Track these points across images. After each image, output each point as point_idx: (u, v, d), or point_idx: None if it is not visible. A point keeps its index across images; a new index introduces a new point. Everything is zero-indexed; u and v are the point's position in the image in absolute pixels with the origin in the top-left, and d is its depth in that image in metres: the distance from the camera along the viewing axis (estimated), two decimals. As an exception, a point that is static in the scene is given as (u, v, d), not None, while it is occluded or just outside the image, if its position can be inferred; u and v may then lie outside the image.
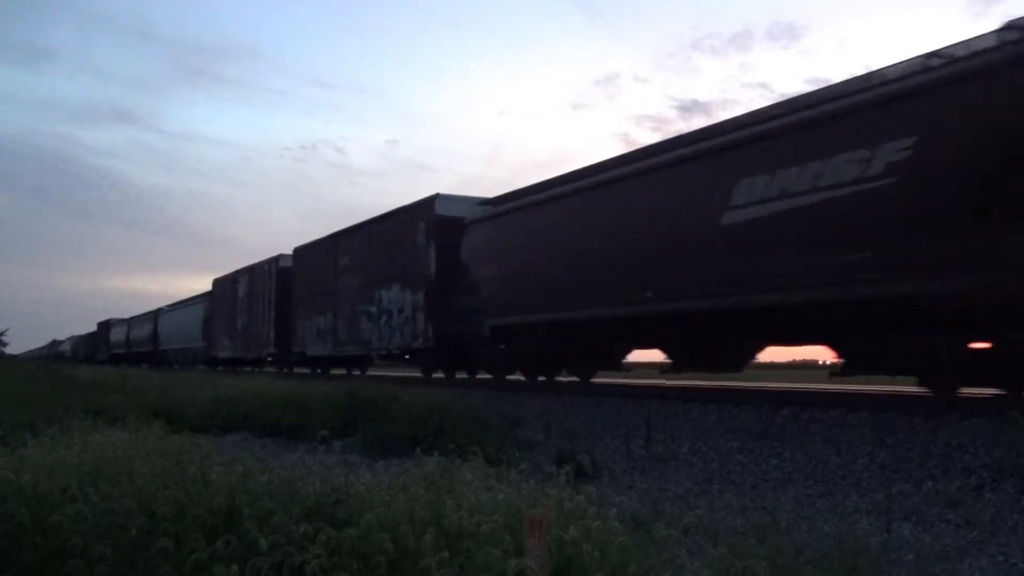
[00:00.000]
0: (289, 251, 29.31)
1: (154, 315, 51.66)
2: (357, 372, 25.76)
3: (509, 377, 17.89)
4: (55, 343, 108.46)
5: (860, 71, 9.94)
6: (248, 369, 34.79)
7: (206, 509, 3.86)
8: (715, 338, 11.54)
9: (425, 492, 4.18)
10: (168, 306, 50.54)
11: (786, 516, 5.24)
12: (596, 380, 16.06)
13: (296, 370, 30.15)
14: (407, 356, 20.84)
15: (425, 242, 18.45)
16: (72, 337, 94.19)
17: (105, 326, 70.27)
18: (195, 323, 40.33)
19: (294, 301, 27.13)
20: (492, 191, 18.17)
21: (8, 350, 62.07)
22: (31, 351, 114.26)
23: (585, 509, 3.83)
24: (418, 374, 21.13)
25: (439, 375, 20.16)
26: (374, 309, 20.82)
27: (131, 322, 59.88)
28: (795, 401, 9.52)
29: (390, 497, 4.08)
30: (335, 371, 26.77)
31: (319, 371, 27.44)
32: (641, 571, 3.39)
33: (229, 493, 4.08)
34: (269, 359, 31.17)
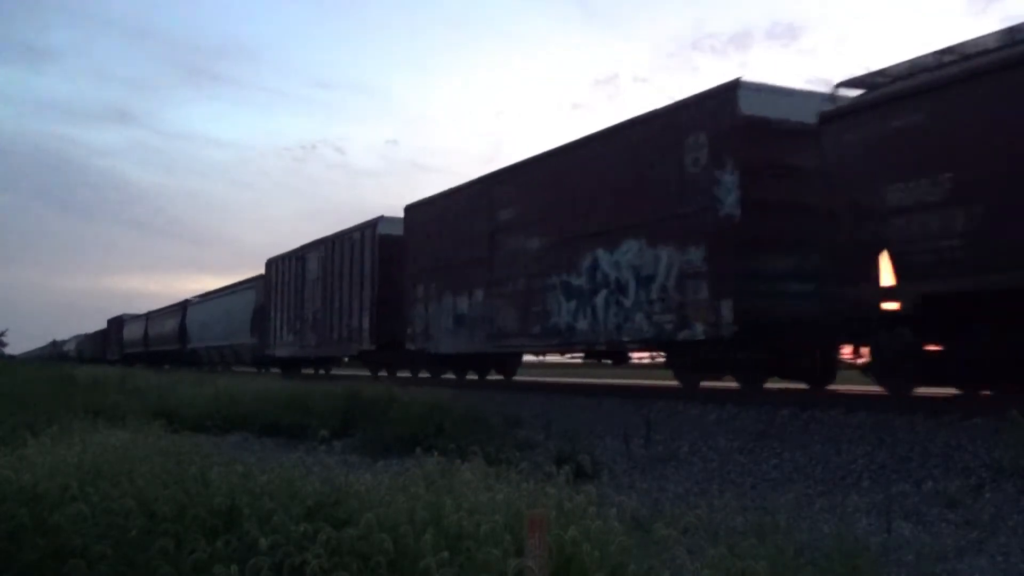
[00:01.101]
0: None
1: (181, 307, 44.34)
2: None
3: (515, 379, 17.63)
4: (56, 343, 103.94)
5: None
6: (322, 372, 27.29)
7: (206, 509, 3.86)
8: None
9: (425, 492, 4.18)
10: (198, 296, 42.81)
11: (786, 516, 5.23)
12: (597, 380, 16.05)
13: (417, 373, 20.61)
14: (653, 351, 13.28)
15: (712, 163, 10.82)
16: (77, 336, 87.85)
17: (117, 322, 63.00)
18: (240, 315, 32.65)
19: (407, 278, 18.95)
20: None
21: (8, 350, 62.08)
22: (31, 351, 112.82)
23: (585, 509, 3.82)
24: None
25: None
26: (580, 281, 13.13)
27: (150, 317, 52.74)
28: (795, 401, 9.52)
29: (390, 497, 4.08)
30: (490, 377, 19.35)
31: (460, 376, 19.04)
32: (641, 571, 3.39)
33: (229, 493, 4.08)
34: (362, 358, 22.53)
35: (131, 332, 57.50)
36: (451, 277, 17.21)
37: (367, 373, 22.10)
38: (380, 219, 21.00)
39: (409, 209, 19.54)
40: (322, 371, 27.56)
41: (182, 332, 42.82)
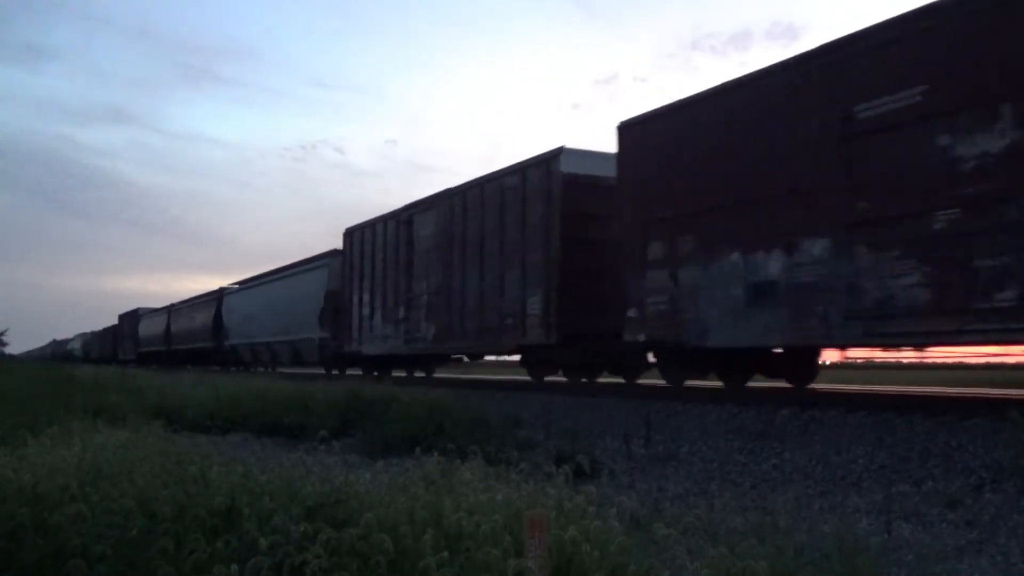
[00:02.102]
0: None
1: (215, 297, 37.30)
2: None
3: (517, 377, 17.60)
4: (57, 342, 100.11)
5: None
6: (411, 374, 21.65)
7: (206, 509, 3.87)
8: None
9: (425, 492, 4.18)
10: (238, 283, 35.96)
11: (786, 516, 5.24)
12: (597, 380, 16.02)
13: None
14: None
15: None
16: (83, 334, 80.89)
17: (131, 318, 55.88)
18: (304, 303, 25.65)
19: (633, 231, 12.04)
20: None
21: (8, 350, 62.08)
22: (32, 351, 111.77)
23: (584, 509, 3.83)
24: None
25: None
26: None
27: (174, 311, 45.50)
28: (795, 401, 9.52)
29: (390, 497, 4.09)
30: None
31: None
32: (641, 571, 3.39)
33: (229, 493, 4.08)
34: (528, 356, 15.76)
35: (148, 328, 50.77)
36: (741, 222, 10.26)
37: (527, 378, 16.19)
38: (560, 152, 14.17)
39: (632, 126, 12.37)
40: (420, 373, 21.76)
41: (217, 327, 36.03)
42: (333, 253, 24.47)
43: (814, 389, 11.45)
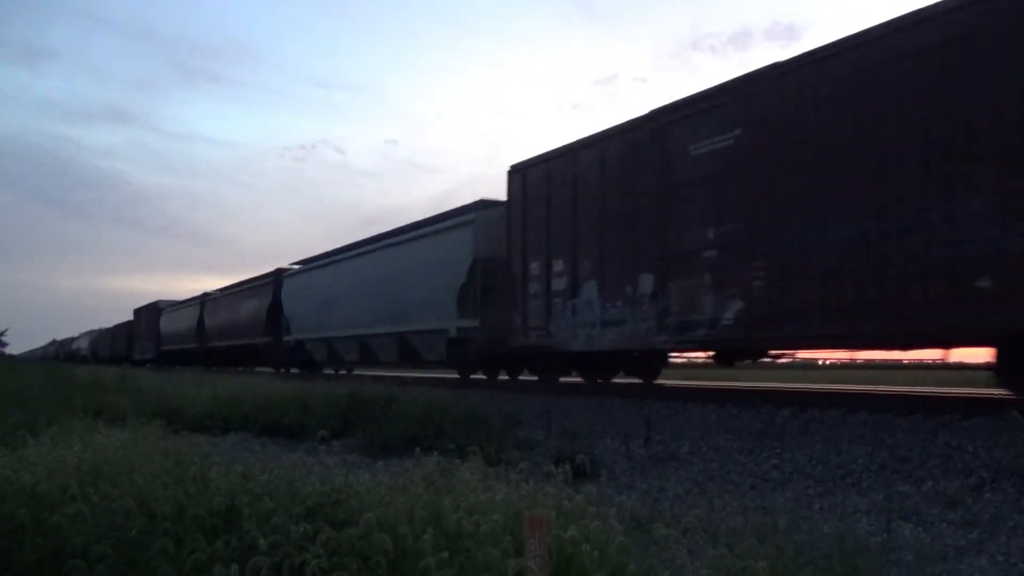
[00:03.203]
0: None
1: (270, 281, 29.30)
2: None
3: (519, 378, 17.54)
4: (62, 342, 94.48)
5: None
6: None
7: (206, 509, 3.87)
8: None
9: (424, 492, 4.18)
10: (301, 263, 28.09)
11: (786, 516, 5.24)
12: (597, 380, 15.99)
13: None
14: None
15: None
16: (91, 332, 73.81)
17: (149, 312, 48.68)
18: (430, 278, 17.78)
19: None
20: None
21: (8, 350, 61.95)
22: (34, 350, 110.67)
23: (584, 509, 3.83)
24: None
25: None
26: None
27: (209, 301, 38.07)
28: (795, 401, 9.52)
29: (390, 497, 4.09)
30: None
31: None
32: (640, 571, 3.39)
33: (229, 493, 4.08)
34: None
35: (173, 323, 43.64)
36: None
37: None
38: None
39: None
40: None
41: (273, 318, 28.10)
42: (482, 204, 17.10)
43: (813, 389, 11.46)
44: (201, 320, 38.28)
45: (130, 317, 56.30)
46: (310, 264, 27.02)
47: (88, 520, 3.80)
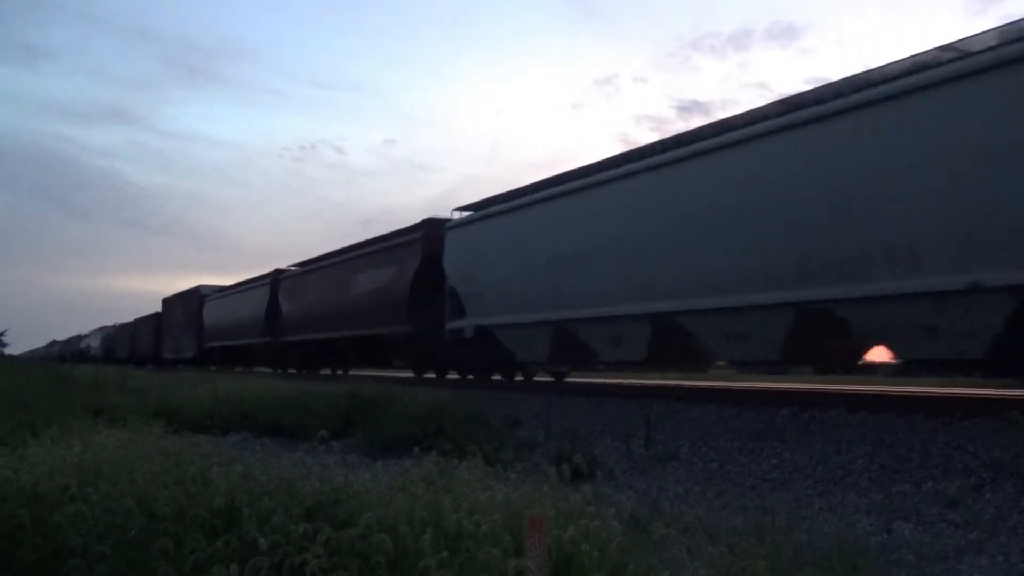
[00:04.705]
0: None
1: (418, 236, 18.48)
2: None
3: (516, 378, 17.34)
4: (62, 341, 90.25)
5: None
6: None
7: (206, 509, 3.87)
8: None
9: (424, 492, 4.18)
10: (463, 209, 17.29)
11: (786, 516, 5.24)
12: (597, 380, 16.02)
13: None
14: None
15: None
16: (102, 328, 65.26)
17: (188, 301, 39.06)
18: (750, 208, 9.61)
19: None
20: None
21: (8, 350, 61.89)
22: (36, 350, 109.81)
23: (583, 509, 3.83)
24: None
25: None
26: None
27: (288, 279, 27.51)
28: (795, 401, 9.52)
29: (389, 497, 4.09)
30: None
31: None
32: (640, 571, 3.39)
33: (229, 493, 4.08)
34: None
35: (225, 312, 33.67)
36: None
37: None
38: None
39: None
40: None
41: (419, 296, 17.80)
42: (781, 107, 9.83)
43: (813, 389, 11.46)
44: (274, 306, 27.84)
45: (130, 317, 52.81)
46: (498, 207, 15.62)
47: (88, 520, 3.80)
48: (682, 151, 11.15)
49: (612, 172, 12.55)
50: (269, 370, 29.20)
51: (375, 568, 3.24)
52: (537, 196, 14.37)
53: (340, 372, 24.38)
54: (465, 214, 17.22)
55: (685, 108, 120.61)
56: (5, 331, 58.70)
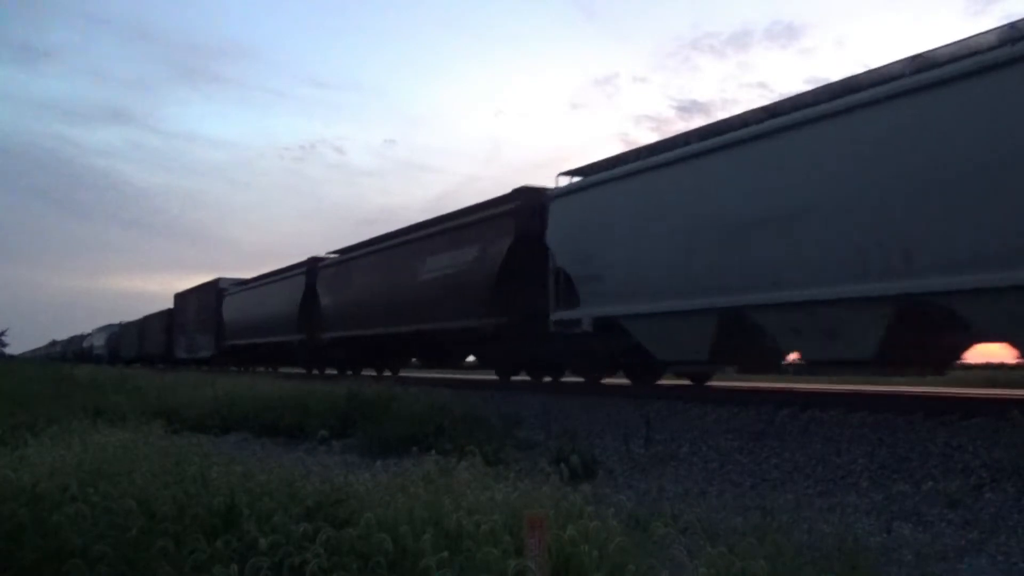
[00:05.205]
0: None
1: (509, 209, 14.97)
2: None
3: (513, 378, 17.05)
4: (63, 341, 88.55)
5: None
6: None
7: (206, 509, 3.87)
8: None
9: (424, 492, 4.18)
10: (571, 172, 13.75)
11: (786, 516, 5.23)
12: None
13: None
14: None
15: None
16: (107, 327, 61.78)
17: (205, 296, 35.19)
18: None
19: None
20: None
21: (8, 351, 61.92)
22: (36, 350, 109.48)
23: (583, 509, 3.83)
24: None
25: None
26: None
27: (329, 268, 23.78)
28: (795, 401, 9.52)
29: (389, 497, 4.09)
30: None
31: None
32: (640, 570, 3.39)
33: (229, 493, 4.08)
34: None
35: (249, 307, 29.86)
36: None
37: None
38: None
39: None
40: None
41: (513, 281, 14.60)
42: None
43: (813, 389, 11.45)
44: (311, 298, 24.12)
45: (131, 317, 50.49)
46: (626, 166, 12.41)
47: (88, 520, 3.80)
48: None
49: (845, 100, 8.72)
50: (303, 371, 26.16)
51: (375, 568, 3.24)
52: (691, 149, 10.84)
53: (388, 374, 21.24)
54: (575, 179, 13.79)
55: (685, 108, 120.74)
56: (5, 331, 58.76)
